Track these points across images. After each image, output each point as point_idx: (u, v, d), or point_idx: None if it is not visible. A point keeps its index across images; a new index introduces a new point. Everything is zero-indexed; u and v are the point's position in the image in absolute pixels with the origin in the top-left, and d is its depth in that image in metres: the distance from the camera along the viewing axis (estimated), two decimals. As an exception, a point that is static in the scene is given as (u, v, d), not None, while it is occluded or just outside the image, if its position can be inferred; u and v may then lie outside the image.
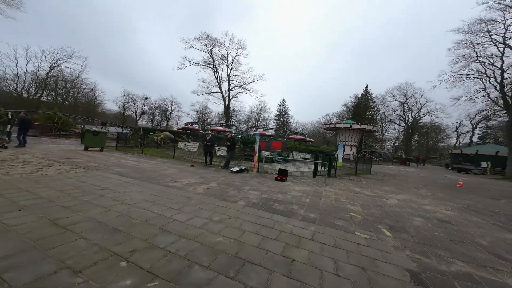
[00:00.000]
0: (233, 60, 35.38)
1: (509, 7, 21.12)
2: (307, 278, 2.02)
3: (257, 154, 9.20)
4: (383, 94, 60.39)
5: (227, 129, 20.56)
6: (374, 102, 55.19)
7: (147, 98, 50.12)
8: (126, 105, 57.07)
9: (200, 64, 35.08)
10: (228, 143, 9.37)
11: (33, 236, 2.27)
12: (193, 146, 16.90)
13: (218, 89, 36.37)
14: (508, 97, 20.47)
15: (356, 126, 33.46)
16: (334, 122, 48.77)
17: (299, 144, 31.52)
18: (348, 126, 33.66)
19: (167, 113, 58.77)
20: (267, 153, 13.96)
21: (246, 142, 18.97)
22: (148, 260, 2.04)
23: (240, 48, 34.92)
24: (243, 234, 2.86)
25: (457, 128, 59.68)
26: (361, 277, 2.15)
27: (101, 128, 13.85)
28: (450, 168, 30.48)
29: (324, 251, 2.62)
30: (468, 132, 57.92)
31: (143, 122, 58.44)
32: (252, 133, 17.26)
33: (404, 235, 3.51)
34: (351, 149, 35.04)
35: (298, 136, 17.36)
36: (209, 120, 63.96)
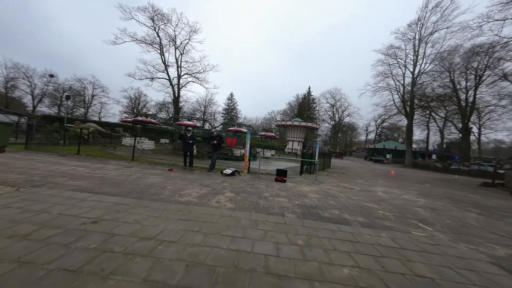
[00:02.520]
0: (182, 44, 31.00)
1: (409, 39, 28.89)
2: (471, 298, 1.96)
3: (247, 154, 8.56)
4: (318, 96, 70.35)
5: (198, 124, 18.04)
6: (315, 102, 63.31)
7: (52, 76, 37.46)
8: (10, 83, 40.32)
9: (144, 42, 28.67)
10: (215, 141, 8.22)
11: None
12: (149, 144, 13.90)
13: (165, 75, 31.05)
14: (407, 106, 28.34)
15: (304, 124, 37.52)
16: (279, 119, 52.67)
17: (253, 141, 32.12)
18: (297, 123, 37.25)
19: (86, 98, 45.84)
20: (242, 151, 13.37)
21: (205, 138, 17.26)
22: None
23: (192, 32, 30.87)
24: (355, 258, 2.50)
25: (367, 128, 77.59)
26: (486, 281, 2.30)
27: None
28: (368, 159, 39.49)
29: (430, 260, 2.66)
30: (373, 131, 76.43)
31: (42, 108, 43.34)
32: (228, 129, 15.90)
33: (436, 227, 4.11)
34: (298, 144, 39.02)
35: (268, 134, 17.58)
36: (145, 110, 54.79)
